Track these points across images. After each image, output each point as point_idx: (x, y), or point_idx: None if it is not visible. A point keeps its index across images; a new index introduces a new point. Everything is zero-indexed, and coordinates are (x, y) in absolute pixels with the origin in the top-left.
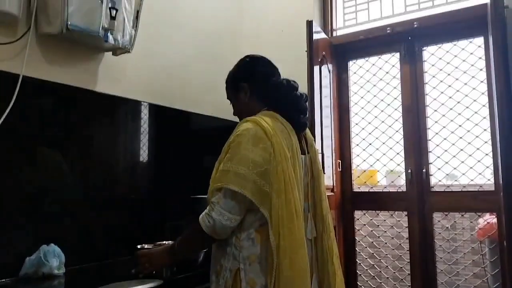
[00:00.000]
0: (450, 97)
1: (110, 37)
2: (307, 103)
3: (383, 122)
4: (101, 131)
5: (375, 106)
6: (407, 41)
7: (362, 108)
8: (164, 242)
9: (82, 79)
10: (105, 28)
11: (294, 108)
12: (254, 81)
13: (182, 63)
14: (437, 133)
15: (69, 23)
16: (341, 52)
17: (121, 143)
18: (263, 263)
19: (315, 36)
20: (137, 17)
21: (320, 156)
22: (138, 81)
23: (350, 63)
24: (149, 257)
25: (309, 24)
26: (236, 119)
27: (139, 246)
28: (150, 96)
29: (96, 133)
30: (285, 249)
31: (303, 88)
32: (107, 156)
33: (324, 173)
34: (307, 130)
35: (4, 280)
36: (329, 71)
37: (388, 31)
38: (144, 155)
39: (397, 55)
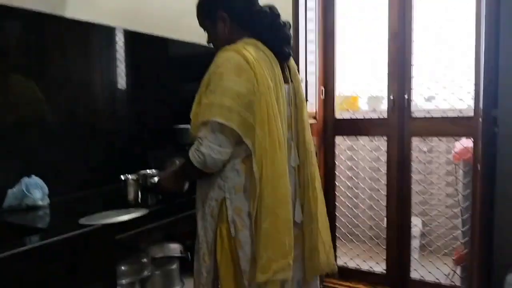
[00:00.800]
0: (436, 22)
1: None
2: (291, 31)
3: (368, 47)
4: (75, 59)
5: (361, 31)
6: None
7: (348, 33)
8: (147, 171)
9: (49, 2)
10: None
11: (278, 38)
12: (234, 9)
13: None
14: (420, 59)
15: None
16: None
17: (97, 72)
18: (247, 192)
19: None
20: None
21: (304, 84)
22: (111, 5)
23: None
24: (159, 182)
25: None
26: None
27: (122, 177)
28: (125, 21)
29: (70, 62)
30: (267, 178)
31: (287, 11)
32: (83, 86)
33: (307, 101)
34: (291, 58)
35: None
36: None
37: None
38: (122, 83)
39: None
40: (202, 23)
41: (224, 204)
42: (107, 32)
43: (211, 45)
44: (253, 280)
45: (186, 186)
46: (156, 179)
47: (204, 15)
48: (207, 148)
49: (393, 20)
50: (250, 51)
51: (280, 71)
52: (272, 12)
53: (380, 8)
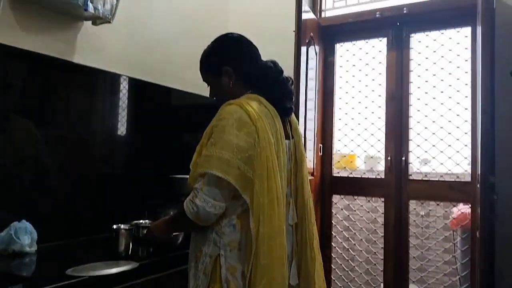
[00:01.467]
0: (434, 86)
1: (90, 6)
2: (293, 87)
3: (366, 107)
4: (78, 103)
5: (360, 91)
6: (395, 26)
7: (346, 92)
8: (140, 221)
9: (59, 48)
10: None
11: (281, 93)
12: (239, 65)
13: (164, 37)
14: (418, 122)
15: None
16: (328, 34)
17: (99, 117)
18: (243, 249)
19: (304, 16)
20: None
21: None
22: (118, 53)
23: (337, 45)
24: (149, 229)
25: (298, 2)
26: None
27: (115, 227)
28: (130, 70)
29: (73, 106)
30: (263, 236)
31: (289, 69)
32: (83, 130)
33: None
34: (292, 114)
35: None
36: (316, 53)
37: (378, 15)
38: (122, 130)
39: (385, 40)
40: (205, 78)
41: (218, 262)
42: (112, 78)
43: (214, 99)
44: None
45: (180, 239)
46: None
47: (209, 70)
48: (201, 200)
49: (391, 82)
50: (253, 106)
51: (282, 126)
52: (275, 67)
53: (379, 70)
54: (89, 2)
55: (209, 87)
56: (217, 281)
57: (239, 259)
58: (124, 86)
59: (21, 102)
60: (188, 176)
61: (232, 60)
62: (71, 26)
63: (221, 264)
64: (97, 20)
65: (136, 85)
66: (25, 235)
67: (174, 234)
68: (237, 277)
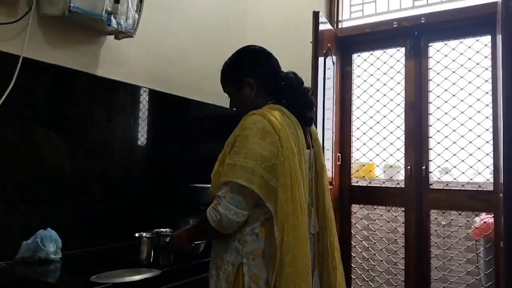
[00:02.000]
0: (453, 95)
1: (113, 21)
2: (313, 97)
3: (384, 117)
4: (101, 115)
5: (378, 101)
6: (413, 36)
7: (364, 102)
8: (161, 230)
9: (83, 62)
10: (108, 11)
11: (302, 103)
12: (261, 76)
13: (184, 50)
14: (438, 131)
15: (71, 5)
16: (346, 44)
17: (121, 128)
18: (267, 258)
19: (321, 27)
20: (141, 1)
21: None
22: (140, 66)
23: (355, 56)
24: (171, 238)
25: (316, 14)
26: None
27: (137, 235)
28: (151, 82)
29: (96, 117)
30: (288, 244)
31: (306, 80)
32: (106, 141)
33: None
34: (313, 124)
35: (0, 263)
36: (333, 63)
37: (395, 25)
38: (142, 140)
39: (403, 50)
40: (226, 89)
41: (241, 270)
42: (133, 90)
43: (234, 109)
44: None
45: (202, 248)
46: (172, 235)
47: (230, 81)
48: (224, 208)
49: (409, 90)
50: (276, 116)
51: (303, 136)
52: (296, 78)
53: (397, 79)
54: (112, 17)
55: (229, 98)
56: None
57: (263, 268)
58: (144, 98)
59: (47, 113)
60: (208, 185)
61: (253, 72)
62: (95, 40)
63: (244, 272)
64: (119, 34)
65: (156, 96)
66: (51, 243)
67: (196, 243)
68: (260, 285)
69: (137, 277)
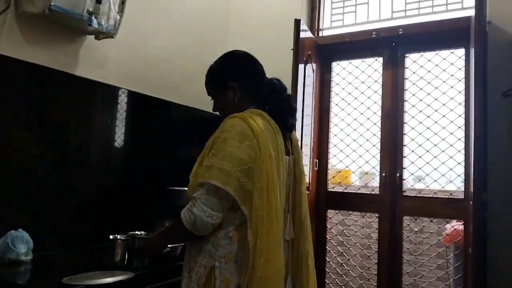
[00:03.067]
0: (428, 105)
1: (94, 21)
2: (295, 104)
3: (361, 124)
4: (78, 115)
5: (355, 109)
6: (391, 46)
7: (342, 109)
8: (137, 232)
9: (62, 61)
10: (89, 11)
11: (284, 109)
12: (245, 80)
13: (165, 52)
14: (413, 139)
15: (52, 3)
16: (325, 52)
17: (98, 129)
18: (239, 262)
19: (302, 35)
20: (123, 2)
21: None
22: (120, 67)
23: (334, 64)
24: (146, 241)
25: (297, 22)
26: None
27: (111, 237)
28: (130, 83)
29: (73, 118)
30: (261, 249)
31: (287, 86)
32: (82, 141)
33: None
34: (293, 131)
35: None
36: (313, 71)
37: (374, 36)
38: (120, 142)
39: (380, 59)
40: (210, 91)
41: (213, 273)
42: (112, 91)
43: (217, 113)
44: None
45: (178, 251)
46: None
47: (215, 84)
48: (199, 210)
49: (386, 99)
50: (256, 120)
51: (283, 142)
52: (280, 84)
53: (374, 88)
54: (93, 17)
55: (213, 101)
56: None
57: (235, 272)
58: (123, 99)
59: (22, 113)
60: (185, 188)
61: (237, 76)
62: (75, 40)
63: (216, 276)
64: (100, 35)
65: (135, 98)
66: (22, 244)
67: (171, 246)
68: None
69: (110, 279)
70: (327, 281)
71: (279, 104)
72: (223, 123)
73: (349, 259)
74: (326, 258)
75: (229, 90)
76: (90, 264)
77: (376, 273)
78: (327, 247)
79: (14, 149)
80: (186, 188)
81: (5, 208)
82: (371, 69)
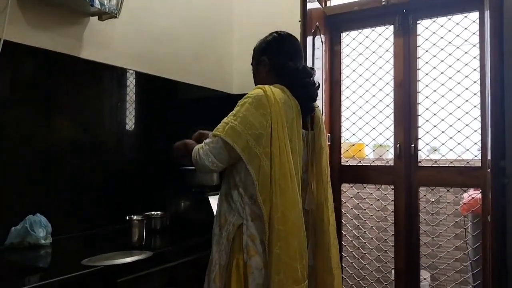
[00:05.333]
0: (442, 73)
1: (96, 1)
2: (318, 91)
3: (374, 96)
4: (87, 98)
5: (367, 80)
6: (401, 13)
7: (354, 81)
8: (152, 212)
9: (66, 44)
10: None
11: (304, 93)
12: (274, 59)
13: (171, 31)
14: (427, 109)
15: None
16: (334, 23)
17: (108, 112)
18: (262, 220)
19: (309, 6)
20: None
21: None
22: (125, 48)
23: (343, 34)
24: (173, 148)
25: None
26: (224, 89)
27: (127, 218)
28: (137, 64)
29: (81, 101)
30: (277, 205)
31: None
32: (93, 125)
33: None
34: (317, 110)
35: None
36: (322, 43)
37: (383, 3)
38: (130, 124)
39: (391, 27)
40: (252, 63)
41: (240, 230)
42: (119, 73)
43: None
44: None
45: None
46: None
47: (254, 57)
48: (205, 154)
49: (398, 69)
50: (274, 92)
51: (300, 116)
52: (304, 70)
53: (386, 57)
54: None
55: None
56: (239, 246)
57: (259, 229)
58: (131, 81)
59: (32, 98)
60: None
61: (270, 53)
62: (78, 22)
63: (243, 232)
64: (103, 15)
65: (142, 79)
66: (40, 228)
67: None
68: (256, 244)
69: (128, 259)
70: (344, 254)
71: (300, 88)
72: (250, 91)
73: (365, 232)
74: (342, 231)
75: (261, 64)
76: (108, 245)
77: (393, 244)
78: (342, 220)
79: (26, 134)
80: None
81: (22, 193)
82: (382, 38)
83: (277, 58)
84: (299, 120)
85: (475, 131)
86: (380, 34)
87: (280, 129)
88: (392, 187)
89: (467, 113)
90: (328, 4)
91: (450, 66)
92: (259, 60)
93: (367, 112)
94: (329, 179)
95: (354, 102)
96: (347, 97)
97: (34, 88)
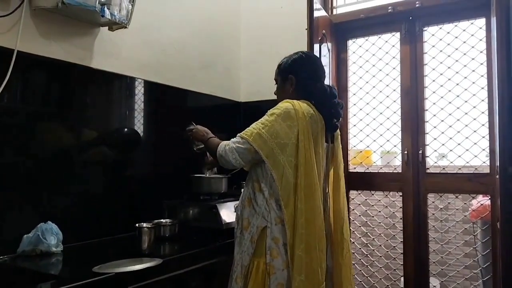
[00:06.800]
0: (449, 79)
1: (107, 12)
2: (341, 110)
3: (381, 102)
4: (97, 107)
5: (374, 87)
6: (408, 21)
7: (360, 88)
8: (161, 220)
9: (77, 54)
10: (101, 2)
11: (330, 113)
12: (302, 78)
13: (179, 41)
14: (434, 115)
15: None
16: (341, 30)
17: (117, 120)
18: (285, 225)
19: (316, 14)
20: None
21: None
22: (134, 58)
23: (350, 42)
24: (194, 129)
25: (310, 1)
26: (231, 97)
27: (137, 225)
28: (146, 73)
29: (92, 110)
30: (302, 211)
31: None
32: (103, 133)
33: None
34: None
35: (1, 257)
36: (329, 50)
37: (390, 10)
38: (140, 132)
39: (398, 35)
40: (276, 78)
41: (265, 232)
42: (128, 82)
43: (275, 97)
44: None
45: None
46: (197, 127)
47: (279, 73)
48: (231, 151)
49: (405, 76)
50: (302, 106)
51: (324, 130)
52: (331, 91)
53: (392, 64)
54: (105, 8)
55: (275, 85)
56: (262, 248)
57: (282, 232)
58: (140, 90)
59: (44, 107)
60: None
61: (297, 72)
62: (89, 32)
63: (267, 234)
64: (113, 25)
65: (152, 87)
66: (51, 236)
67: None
68: (279, 246)
69: (139, 266)
70: (352, 261)
71: (326, 107)
72: (279, 104)
73: (373, 239)
74: (351, 239)
75: (288, 81)
76: (118, 253)
77: (402, 252)
78: (350, 228)
79: (38, 143)
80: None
81: (34, 201)
82: (388, 45)
83: (305, 77)
84: (322, 134)
85: (483, 137)
86: (386, 41)
87: (307, 141)
88: (400, 193)
89: (474, 119)
90: (334, 12)
91: (457, 72)
92: (285, 77)
93: (374, 119)
94: (344, 188)
95: (361, 109)
96: (354, 104)
97: (46, 97)
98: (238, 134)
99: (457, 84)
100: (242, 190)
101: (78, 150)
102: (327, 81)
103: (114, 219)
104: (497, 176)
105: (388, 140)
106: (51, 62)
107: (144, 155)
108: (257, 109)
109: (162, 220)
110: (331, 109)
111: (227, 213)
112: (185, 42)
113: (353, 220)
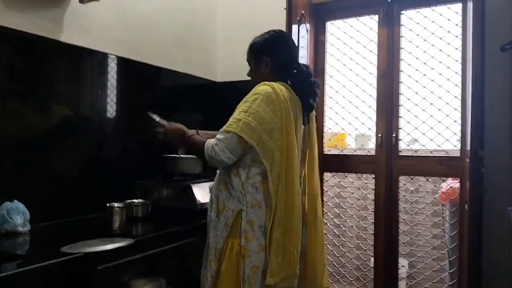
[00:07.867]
0: (424, 63)
1: None
2: (318, 89)
3: (357, 86)
4: (66, 84)
5: (351, 70)
6: (386, 3)
7: (338, 71)
8: (134, 200)
9: (45, 27)
10: None
11: (306, 93)
12: (276, 60)
13: (154, 16)
14: (409, 99)
15: None
16: (319, 11)
17: (88, 98)
18: (262, 207)
19: None
20: None
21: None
22: (107, 33)
23: (328, 23)
24: (166, 130)
25: None
26: (208, 76)
27: (108, 205)
28: (118, 49)
29: (61, 86)
30: (281, 195)
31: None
32: (73, 111)
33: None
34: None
35: None
36: (307, 31)
37: None
38: (111, 110)
39: (376, 17)
40: (248, 60)
41: (240, 215)
42: (100, 58)
43: (249, 78)
44: (255, 285)
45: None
46: (162, 121)
47: (253, 55)
48: (221, 150)
49: (382, 59)
50: (282, 89)
51: (301, 113)
52: (307, 71)
53: (370, 47)
54: None
55: (249, 67)
56: (237, 231)
57: (258, 214)
58: (112, 66)
59: (8, 83)
60: (179, 155)
61: (272, 53)
62: (58, 4)
63: (242, 217)
64: None
65: (124, 64)
66: (18, 215)
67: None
68: (255, 229)
69: (110, 246)
70: (324, 242)
71: (302, 87)
72: (256, 87)
73: (346, 220)
74: (324, 219)
75: (262, 63)
76: (89, 232)
77: (372, 233)
78: (324, 209)
79: (2, 121)
80: (181, 156)
81: None
82: (366, 28)
83: (280, 59)
84: (300, 116)
85: (455, 121)
86: (364, 24)
87: (289, 125)
88: (373, 176)
89: (447, 103)
90: None
91: (432, 57)
92: (259, 58)
93: (350, 102)
94: (317, 170)
95: (337, 92)
96: (331, 87)
97: (10, 71)
98: (223, 129)
99: (432, 69)
100: (218, 171)
101: (46, 128)
102: (303, 62)
103: (85, 199)
104: (467, 160)
105: (363, 123)
106: (15, 35)
107: (117, 134)
108: (234, 89)
109: (134, 200)
110: (307, 88)
111: (202, 193)
112: (159, 18)
113: (326, 202)
